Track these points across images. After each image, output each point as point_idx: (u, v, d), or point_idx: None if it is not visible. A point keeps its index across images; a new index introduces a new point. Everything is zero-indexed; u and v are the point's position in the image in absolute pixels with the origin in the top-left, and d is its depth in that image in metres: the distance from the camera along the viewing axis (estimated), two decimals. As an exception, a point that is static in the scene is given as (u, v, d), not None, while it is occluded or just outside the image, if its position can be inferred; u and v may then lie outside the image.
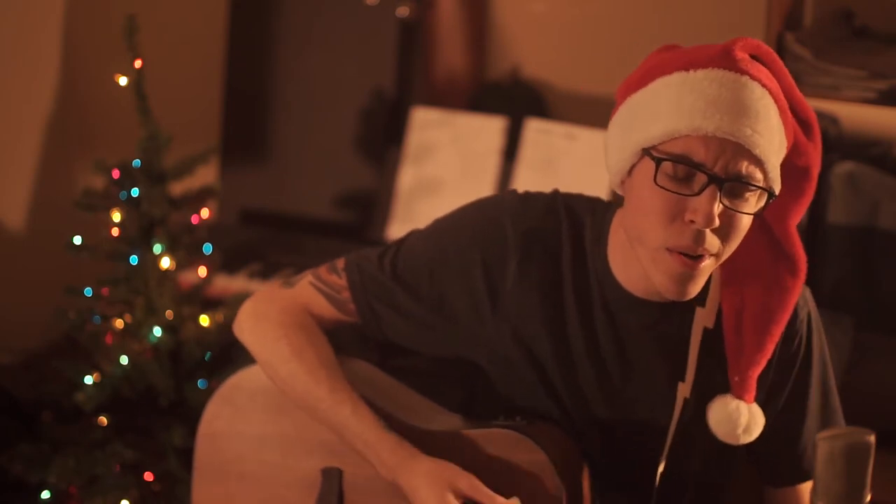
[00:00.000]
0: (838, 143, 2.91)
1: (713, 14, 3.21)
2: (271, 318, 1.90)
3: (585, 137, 3.10)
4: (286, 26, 3.41)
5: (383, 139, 3.33)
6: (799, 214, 1.75)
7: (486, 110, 3.26)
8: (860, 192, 2.79)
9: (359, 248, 1.95)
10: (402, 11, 3.30)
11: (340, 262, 1.92)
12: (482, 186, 3.16)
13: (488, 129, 3.20)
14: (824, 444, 1.48)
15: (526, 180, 3.12)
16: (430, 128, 3.23)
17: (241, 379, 1.96)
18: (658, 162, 1.63)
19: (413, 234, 1.90)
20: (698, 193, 1.63)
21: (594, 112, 3.27)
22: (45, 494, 2.80)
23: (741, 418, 1.77)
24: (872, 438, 1.48)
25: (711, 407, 1.78)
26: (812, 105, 2.92)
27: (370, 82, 3.34)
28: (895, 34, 2.94)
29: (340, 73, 3.37)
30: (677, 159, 1.62)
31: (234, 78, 3.47)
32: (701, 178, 1.62)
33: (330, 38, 3.37)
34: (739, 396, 1.77)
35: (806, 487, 1.90)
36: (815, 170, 1.73)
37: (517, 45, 3.41)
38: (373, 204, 3.30)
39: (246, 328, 1.93)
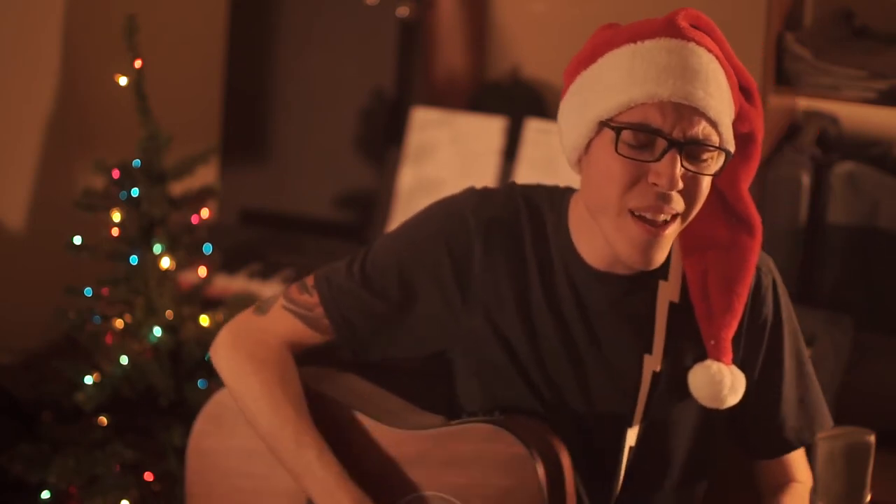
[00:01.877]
0: (838, 143, 2.91)
1: (713, 14, 3.20)
2: (245, 352, 1.90)
3: (585, 137, 3.10)
4: (286, 26, 3.41)
5: (383, 139, 3.33)
6: (749, 178, 1.79)
7: (486, 110, 3.26)
8: (860, 192, 2.79)
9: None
10: (402, 11, 3.30)
11: (310, 280, 1.93)
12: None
13: (488, 129, 3.20)
14: (824, 444, 1.48)
15: (526, 180, 3.10)
16: (430, 128, 3.23)
17: (226, 396, 1.96)
18: (618, 131, 1.67)
19: (379, 239, 1.93)
20: (659, 159, 1.67)
21: (594, 112, 3.27)
22: (45, 494, 2.80)
23: (724, 380, 1.79)
24: (872, 438, 1.48)
25: (692, 374, 1.81)
26: (812, 105, 2.93)
27: (370, 82, 3.34)
28: (895, 34, 2.94)
29: (340, 73, 3.37)
30: (637, 127, 1.67)
31: (234, 78, 3.47)
32: (661, 144, 1.67)
33: (330, 38, 3.37)
34: (717, 359, 1.80)
35: (794, 457, 1.92)
36: (760, 134, 1.78)
37: (517, 45, 3.41)
38: (373, 204, 3.30)
39: (221, 357, 1.93)
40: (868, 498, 1.50)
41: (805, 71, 2.76)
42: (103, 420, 2.79)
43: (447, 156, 3.21)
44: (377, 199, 3.29)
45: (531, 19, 3.39)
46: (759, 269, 1.84)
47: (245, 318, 1.95)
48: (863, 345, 2.77)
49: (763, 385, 1.86)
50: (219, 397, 1.97)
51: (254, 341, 1.91)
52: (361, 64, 3.35)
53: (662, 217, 1.69)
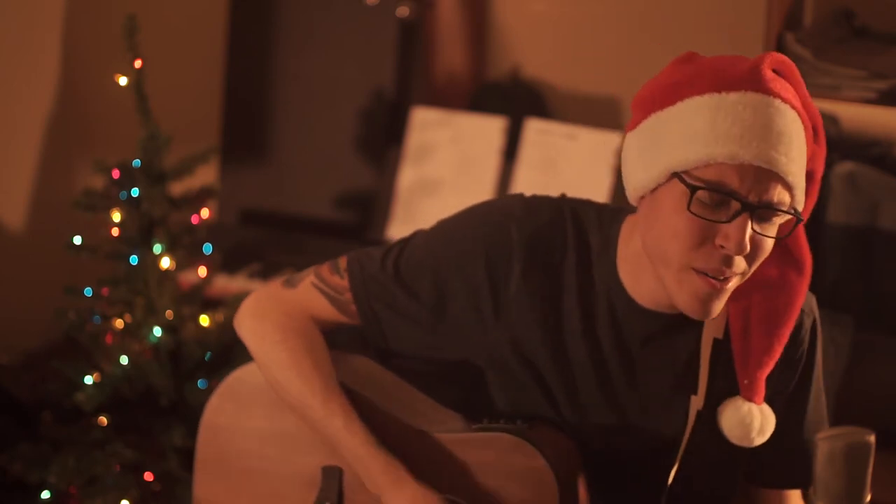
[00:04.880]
0: (838, 143, 2.91)
1: (713, 14, 3.21)
2: (272, 321, 1.89)
3: (585, 137, 3.10)
4: (286, 26, 3.41)
5: (383, 139, 3.33)
6: (805, 215, 1.74)
7: (486, 110, 3.26)
8: (860, 192, 2.79)
9: (359, 248, 1.94)
10: (402, 11, 3.30)
11: (343, 262, 1.90)
12: (482, 186, 3.16)
13: (488, 129, 3.20)
14: (824, 444, 1.47)
15: (526, 180, 3.12)
16: (430, 128, 3.23)
17: (245, 373, 1.95)
18: (693, 190, 1.62)
19: (418, 235, 1.89)
20: (730, 220, 1.62)
21: (594, 112, 3.28)
22: (45, 494, 2.80)
23: (755, 421, 1.77)
24: (872, 438, 1.48)
25: (723, 412, 1.78)
26: (812, 105, 2.88)
27: (370, 82, 3.34)
28: (895, 34, 2.94)
29: (340, 73, 3.37)
30: (713, 188, 1.61)
31: (234, 78, 3.47)
32: (734, 206, 1.62)
33: (330, 38, 3.37)
34: (749, 399, 1.77)
35: (792, 494, 1.91)
36: (820, 172, 1.73)
37: (517, 45, 3.41)
38: (373, 204, 3.30)
39: (246, 326, 1.92)
40: (868, 498, 1.50)
41: (805, 71, 2.74)
42: (103, 420, 2.80)
43: (447, 156, 3.21)
44: (377, 199, 3.29)
45: (531, 19, 3.39)
46: (801, 310, 1.79)
47: (272, 288, 1.93)
48: (863, 345, 2.76)
49: (783, 422, 1.84)
50: (238, 374, 1.96)
51: (280, 311, 1.89)
52: (361, 64, 3.35)
53: (723, 276, 1.65)
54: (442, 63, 3.36)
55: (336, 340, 1.94)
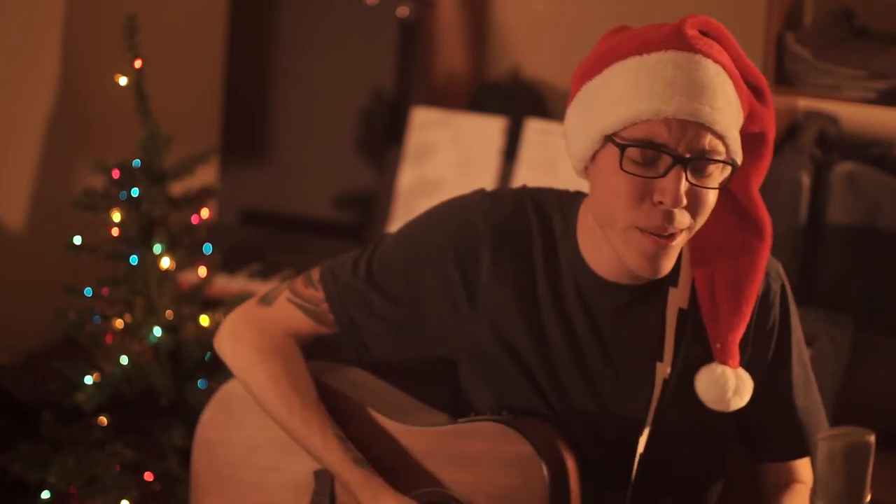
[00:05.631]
0: (838, 143, 2.91)
1: (713, 14, 3.19)
2: (249, 342, 1.91)
3: (585, 137, 3.10)
4: (286, 26, 3.41)
5: (383, 139, 3.33)
6: (760, 178, 1.78)
7: (486, 110, 3.26)
8: (860, 192, 2.79)
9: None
10: (402, 11, 3.30)
11: (316, 273, 1.92)
12: (482, 186, 3.15)
13: (488, 129, 3.20)
14: (824, 444, 1.48)
15: (526, 180, 3.10)
16: (430, 128, 3.23)
17: (235, 386, 1.97)
18: (622, 148, 1.65)
19: (386, 238, 1.92)
20: (664, 175, 1.65)
21: (594, 112, 3.27)
22: (45, 494, 2.80)
23: (729, 382, 1.78)
24: (872, 438, 1.48)
25: (698, 377, 1.80)
26: (812, 105, 2.93)
27: (370, 82, 3.34)
28: (895, 34, 2.94)
29: (340, 73, 3.37)
30: (641, 144, 1.65)
31: (234, 78, 3.47)
32: (666, 160, 1.65)
33: (330, 38, 3.37)
34: (724, 362, 1.79)
35: (799, 464, 1.91)
36: (771, 134, 1.76)
37: (517, 45, 3.41)
38: (373, 204, 3.30)
39: (226, 349, 1.94)
40: (868, 498, 1.50)
41: (805, 71, 2.76)
42: (103, 420, 2.80)
43: (447, 156, 3.21)
44: (377, 199, 3.29)
45: (531, 19, 3.39)
46: (767, 275, 1.82)
47: (249, 308, 1.96)
48: (863, 345, 2.76)
49: (771, 391, 1.86)
50: (229, 387, 1.98)
51: (258, 331, 1.92)
52: (361, 64, 3.35)
53: (669, 231, 1.68)
54: (442, 63, 3.36)
55: (324, 343, 1.95)
